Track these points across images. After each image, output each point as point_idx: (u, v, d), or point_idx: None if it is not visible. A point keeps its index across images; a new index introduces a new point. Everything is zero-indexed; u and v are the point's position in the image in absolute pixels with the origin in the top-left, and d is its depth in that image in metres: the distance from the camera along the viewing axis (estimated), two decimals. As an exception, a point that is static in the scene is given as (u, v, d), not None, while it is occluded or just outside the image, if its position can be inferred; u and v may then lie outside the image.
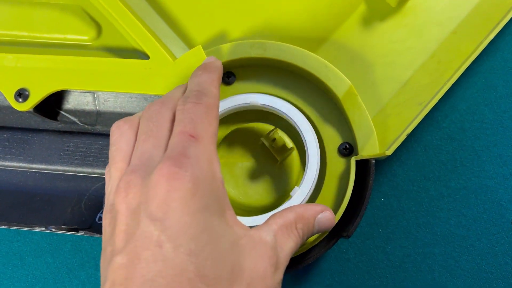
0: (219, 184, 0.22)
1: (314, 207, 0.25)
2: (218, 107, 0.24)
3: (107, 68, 0.29)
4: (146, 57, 0.29)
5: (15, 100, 0.29)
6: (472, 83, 0.32)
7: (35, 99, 0.29)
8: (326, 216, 0.24)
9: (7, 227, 0.29)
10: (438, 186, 0.31)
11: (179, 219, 0.19)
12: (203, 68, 0.25)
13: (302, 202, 0.28)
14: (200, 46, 0.29)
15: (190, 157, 0.20)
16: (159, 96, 0.31)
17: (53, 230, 0.28)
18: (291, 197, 0.27)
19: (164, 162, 0.20)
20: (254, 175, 0.31)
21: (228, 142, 0.31)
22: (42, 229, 0.28)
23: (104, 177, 0.31)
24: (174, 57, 0.29)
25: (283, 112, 0.28)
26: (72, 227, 0.28)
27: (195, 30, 0.31)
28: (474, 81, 0.32)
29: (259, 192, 0.30)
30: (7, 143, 0.32)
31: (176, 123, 0.22)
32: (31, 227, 0.28)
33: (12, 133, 0.32)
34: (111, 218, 0.21)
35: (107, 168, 0.23)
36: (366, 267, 0.31)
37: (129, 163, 0.22)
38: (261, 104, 0.28)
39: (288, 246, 0.23)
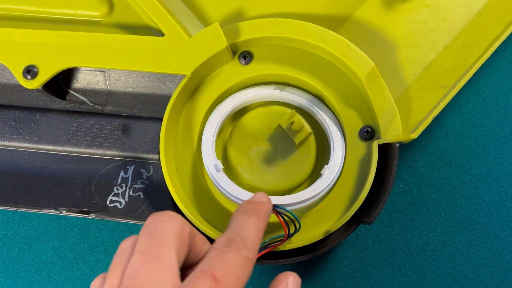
0: None
1: (280, 285, 0.22)
2: (253, 264, 0.21)
3: (119, 45, 0.28)
4: (161, 34, 0.28)
5: (23, 77, 0.28)
6: (496, 67, 0.31)
7: (44, 76, 0.28)
8: (293, 281, 0.22)
9: (14, 209, 0.28)
10: (459, 172, 0.30)
11: None
12: (253, 209, 0.23)
13: (332, 180, 0.27)
14: (217, 23, 0.27)
15: None
16: (175, 76, 0.30)
17: (63, 212, 0.27)
18: (322, 175, 0.27)
19: None
20: (270, 159, 0.30)
21: (243, 124, 0.30)
22: (52, 211, 0.27)
23: (113, 159, 0.30)
24: (189, 35, 0.28)
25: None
26: (83, 209, 0.27)
27: (211, 6, 0.30)
28: (498, 65, 0.31)
29: (275, 176, 0.29)
30: (13, 123, 0.31)
31: (204, 260, 0.20)
32: (40, 209, 0.27)
33: (19, 113, 0.31)
34: None
35: (100, 276, 0.20)
36: (384, 255, 0.30)
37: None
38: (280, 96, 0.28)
39: None
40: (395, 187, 0.31)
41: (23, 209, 0.28)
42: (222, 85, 0.29)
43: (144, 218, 0.28)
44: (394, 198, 0.31)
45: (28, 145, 0.30)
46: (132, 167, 0.30)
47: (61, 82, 0.30)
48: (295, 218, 0.26)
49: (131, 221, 0.28)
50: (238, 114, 0.30)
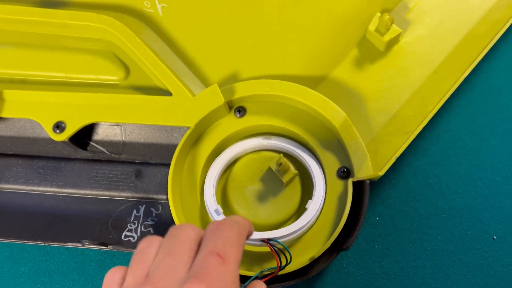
0: None
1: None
2: (246, 237, 0.24)
3: (134, 103, 0.33)
4: (169, 94, 0.34)
5: (53, 132, 0.33)
6: (453, 115, 0.37)
7: (70, 130, 0.33)
8: None
9: (42, 244, 0.32)
10: (426, 206, 0.35)
11: None
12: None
13: (316, 212, 0.32)
14: (216, 84, 0.33)
15: (217, 278, 0.21)
16: (180, 128, 0.35)
17: (85, 245, 0.31)
18: (307, 209, 0.32)
19: (193, 280, 0.20)
20: (262, 197, 0.34)
21: (239, 167, 0.35)
22: (76, 245, 0.31)
23: (127, 200, 0.35)
24: (193, 94, 0.33)
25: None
26: (103, 242, 0.31)
27: (211, 71, 0.35)
28: (455, 113, 0.37)
29: (267, 212, 0.34)
30: (42, 171, 0.36)
31: (205, 242, 0.22)
32: (65, 243, 0.31)
33: (46, 162, 0.36)
34: None
35: (116, 270, 0.23)
36: (364, 280, 0.34)
37: (148, 274, 0.22)
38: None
39: None
40: (371, 220, 0.35)
41: (50, 244, 0.32)
42: (221, 135, 0.35)
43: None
44: (371, 229, 0.35)
45: (54, 189, 0.35)
46: (143, 206, 0.34)
47: (84, 135, 0.36)
48: (286, 249, 0.31)
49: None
50: (234, 160, 0.36)
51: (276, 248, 0.31)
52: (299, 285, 0.34)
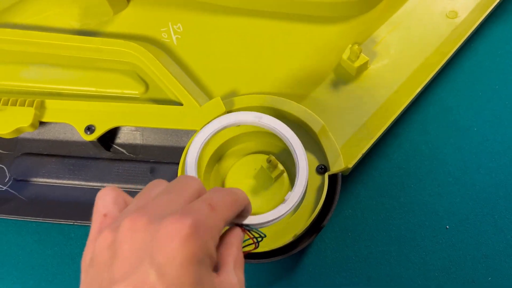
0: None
1: (236, 231, 0.26)
2: (241, 210, 0.25)
3: (152, 111, 0.41)
4: (180, 104, 0.41)
5: (84, 133, 0.41)
6: (412, 129, 0.45)
7: (99, 132, 0.41)
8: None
9: (71, 223, 0.39)
10: (391, 201, 0.42)
11: (177, 269, 0.20)
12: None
13: (295, 204, 0.35)
14: (219, 97, 0.41)
15: (201, 220, 0.21)
16: (188, 133, 0.43)
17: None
18: (285, 200, 0.35)
19: (181, 214, 0.21)
20: (255, 191, 0.41)
21: (237, 166, 0.42)
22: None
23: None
24: (200, 104, 0.41)
25: (283, 134, 0.37)
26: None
27: (215, 87, 0.43)
28: (414, 127, 0.45)
29: (259, 203, 0.41)
30: (71, 167, 0.43)
31: (201, 196, 0.23)
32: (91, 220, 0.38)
33: (75, 160, 0.43)
34: (112, 242, 0.21)
35: (111, 189, 0.25)
36: (339, 262, 0.40)
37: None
38: (266, 124, 0.37)
39: (242, 277, 0.25)
40: (345, 212, 0.42)
41: (78, 222, 0.38)
42: (221, 139, 0.42)
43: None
44: (345, 220, 0.42)
45: (81, 182, 0.42)
46: (156, 197, 0.41)
47: (108, 139, 0.43)
48: (258, 232, 0.32)
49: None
50: (232, 160, 0.43)
51: (252, 233, 0.32)
52: (283, 261, 0.41)
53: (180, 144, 0.43)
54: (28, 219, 0.39)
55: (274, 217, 0.34)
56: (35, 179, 0.42)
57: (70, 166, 0.43)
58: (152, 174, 0.42)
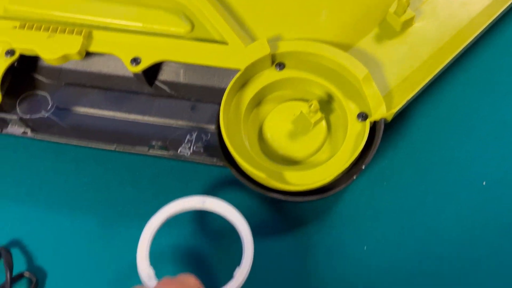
0: None
1: None
2: None
3: (197, 48, 0.41)
4: (226, 43, 0.42)
5: (130, 64, 0.41)
6: (453, 88, 0.45)
7: (144, 64, 0.41)
8: None
9: (113, 148, 0.39)
10: (428, 155, 0.42)
11: None
12: None
13: (243, 280, 0.35)
14: (265, 39, 0.41)
15: None
16: (230, 74, 0.43)
17: (150, 150, 0.38)
18: (234, 276, 0.35)
19: None
20: (293, 136, 0.41)
21: (277, 111, 0.42)
22: (142, 149, 0.39)
23: (183, 127, 0.42)
24: (245, 45, 0.41)
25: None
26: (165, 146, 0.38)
27: (260, 31, 0.44)
28: (455, 86, 0.45)
29: (296, 147, 0.41)
30: (113, 100, 0.43)
31: None
32: (133, 146, 0.39)
33: (118, 93, 0.43)
34: None
35: None
36: (372, 210, 0.40)
37: None
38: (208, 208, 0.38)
39: None
40: (383, 162, 0.42)
41: (120, 148, 0.39)
42: (262, 83, 0.42)
43: (202, 161, 0.40)
44: (381, 170, 0.42)
45: (122, 114, 0.43)
46: (196, 133, 0.42)
47: (151, 75, 0.44)
48: None
49: (195, 160, 0.39)
50: (273, 104, 0.43)
51: None
52: (316, 204, 0.41)
53: (222, 85, 0.43)
54: (69, 142, 0.40)
55: None
56: (77, 109, 0.43)
57: (112, 99, 0.43)
58: (193, 111, 0.42)
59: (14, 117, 0.39)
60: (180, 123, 0.42)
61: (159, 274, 0.35)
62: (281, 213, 0.41)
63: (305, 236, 0.40)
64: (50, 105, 0.43)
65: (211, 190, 0.42)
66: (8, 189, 0.43)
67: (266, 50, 0.41)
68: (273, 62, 0.43)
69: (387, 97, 0.41)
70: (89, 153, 0.44)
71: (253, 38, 0.43)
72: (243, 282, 0.36)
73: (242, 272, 0.36)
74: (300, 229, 0.40)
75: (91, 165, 0.43)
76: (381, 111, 0.39)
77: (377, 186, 0.41)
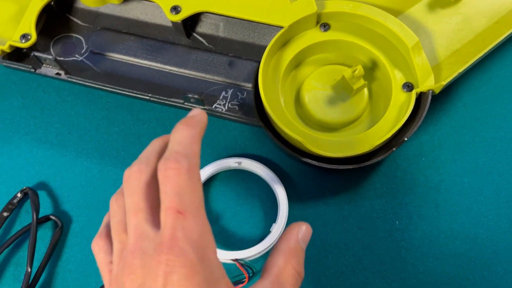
0: (212, 256, 0.22)
1: (292, 233, 0.26)
2: (199, 166, 0.24)
3: (240, 1, 0.40)
4: (271, -2, 0.40)
5: (170, 12, 0.40)
6: (505, 65, 0.43)
7: (184, 14, 0.39)
8: (304, 231, 0.26)
9: (147, 97, 0.38)
10: (471, 133, 0.40)
11: None
12: (185, 122, 0.25)
13: (279, 235, 0.37)
14: (312, -5, 0.39)
15: (181, 239, 0.21)
16: (272, 32, 0.41)
17: (185, 103, 0.37)
18: (271, 232, 0.38)
19: (159, 248, 0.21)
20: (332, 101, 0.40)
21: (316, 74, 0.41)
22: (177, 101, 0.37)
23: (219, 83, 0.40)
24: (290, 1, 0.39)
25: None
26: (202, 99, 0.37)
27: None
28: (506, 64, 0.43)
29: (335, 113, 0.39)
30: (150, 48, 0.42)
31: (161, 194, 0.22)
32: (169, 97, 0.38)
33: (154, 42, 0.42)
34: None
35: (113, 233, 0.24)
36: (408, 184, 0.39)
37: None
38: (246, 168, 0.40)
39: None
40: (423, 137, 0.40)
41: (155, 98, 0.38)
42: (305, 43, 0.40)
43: (237, 119, 0.39)
44: (421, 145, 0.40)
45: (158, 64, 0.41)
46: (232, 90, 0.40)
47: (189, 26, 0.42)
48: (249, 265, 0.37)
49: (230, 117, 0.38)
50: (312, 67, 0.41)
51: (243, 263, 0.37)
52: (353, 173, 0.40)
53: (262, 43, 0.42)
54: (103, 87, 0.39)
55: (261, 249, 0.37)
56: (111, 54, 0.42)
57: (148, 47, 0.42)
58: (230, 67, 0.41)
59: (50, 57, 0.38)
60: (216, 78, 0.41)
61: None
62: (313, 180, 0.40)
63: (336, 205, 0.39)
64: (84, 49, 0.42)
65: (243, 150, 0.41)
66: (38, 131, 0.42)
67: (312, 8, 0.39)
68: (317, 22, 0.40)
69: (435, 69, 0.39)
70: (121, 102, 0.43)
71: (298, -4, 0.41)
72: (279, 236, 0.37)
73: (278, 227, 0.37)
74: (332, 197, 0.39)
75: (121, 115, 0.42)
76: (429, 83, 0.37)
77: (414, 161, 0.40)
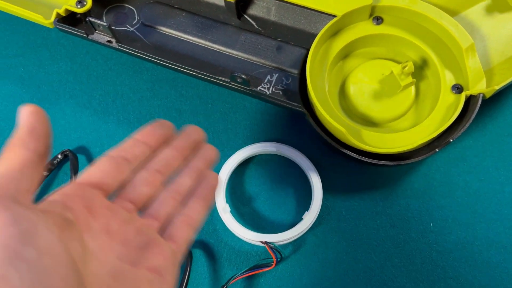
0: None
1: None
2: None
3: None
4: (326, -14, 0.39)
5: (224, -8, 0.40)
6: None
7: (238, -6, 0.40)
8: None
9: (194, 73, 0.38)
10: (517, 143, 0.40)
11: None
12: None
13: (311, 223, 0.37)
14: (368, -11, 0.39)
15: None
16: (323, 21, 0.40)
17: (232, 83, 0.37)
18: (303, 219, 0.38)
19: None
20: (377, 96, 0.39)
21: (364, 67, 0.40)
22: (224, 80, 0.37)
23: (265, 66, 0.40)
24: (346, -8, 0.39)
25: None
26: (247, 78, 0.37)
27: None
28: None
29: (378, 108, 0.39)
30: (200, 25, 0.42)
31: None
32: (215, 76, 0.38)
33: (205, 20, 0.42)
34: None
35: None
36: (446, 187, 0.39)
37: None
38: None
39: None
40: (465, 141, 0.40)
41: (202, 75, 0.38)
42: (356, 34, 0.40)
43: (281, 103, 0.38)
44: (463, 149, 0.40)
45: (206, 42, 0.41)
46: (277, 74, 0.40)
47: (241, 7, 0.42)
48: (278, 250, 0.37)
49: (275, 101, 0.38)
50: (361, 60, 0.41)
51: (272, 247, 0.37)
52: (392, 170, 0.39)
53: (312, 30, 0.41)
54: (153, 59, 0.39)
55: (292, 235, 0.37)
56: (161, 28, 0.42)
57: (199, 24, 0.42)
58: (278, 52, 0.41)
59: (104, 23, 0.39)
60: (262, 61, 0.41)
61: (233, 211, 0.38)
62: (350, 173, 0.40)
63: (372, 200, 0.39)
64: (136, 20, 0.42)
65: (282, 135, 0.41)
66: (83, 97, 0.43)
67: (367, 0, 0.38)
68: (371, 14, 0.40)
69: (487, 73, 0.38)
70: (166, 76, 0.43)
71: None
72: (310, 225, 0.37)
73: (310, 215, 0.37)
74: (367, 192, 0.39)
75: (165, 89, 0.43)
76: (480, 86, 0.36)
77: (455, 164, 0.39)
